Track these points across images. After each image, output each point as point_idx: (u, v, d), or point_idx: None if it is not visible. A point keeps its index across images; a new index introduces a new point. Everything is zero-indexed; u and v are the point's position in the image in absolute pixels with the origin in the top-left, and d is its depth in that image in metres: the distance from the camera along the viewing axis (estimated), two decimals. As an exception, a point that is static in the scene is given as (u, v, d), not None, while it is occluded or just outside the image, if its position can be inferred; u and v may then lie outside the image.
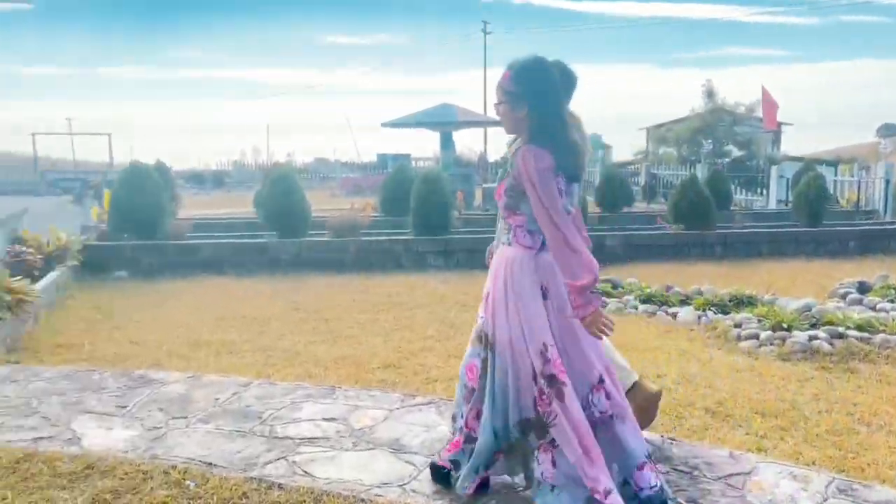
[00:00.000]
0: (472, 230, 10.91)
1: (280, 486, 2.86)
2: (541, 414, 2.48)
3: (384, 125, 19.48)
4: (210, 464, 3.06)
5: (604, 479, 2.41)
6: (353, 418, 3.57)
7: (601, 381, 2.55)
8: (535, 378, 2.47)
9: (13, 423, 3.53)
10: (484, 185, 18.78)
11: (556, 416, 2.44)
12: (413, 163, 27.58)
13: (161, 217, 9.04)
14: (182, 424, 3.51)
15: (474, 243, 9.65)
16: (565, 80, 2.79)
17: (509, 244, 2.57)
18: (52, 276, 6.79)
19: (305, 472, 2.99)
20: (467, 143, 51.24)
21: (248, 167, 36.15)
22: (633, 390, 3.00)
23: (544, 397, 2.45)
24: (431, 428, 3.43)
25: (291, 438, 3.33)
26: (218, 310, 6.49)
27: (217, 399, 3.87)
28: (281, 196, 9.32)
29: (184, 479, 2.91)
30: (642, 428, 2.85)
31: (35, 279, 6.51)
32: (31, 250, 7.04)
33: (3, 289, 5.22)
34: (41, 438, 3.33)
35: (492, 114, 28.76)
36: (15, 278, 5.60)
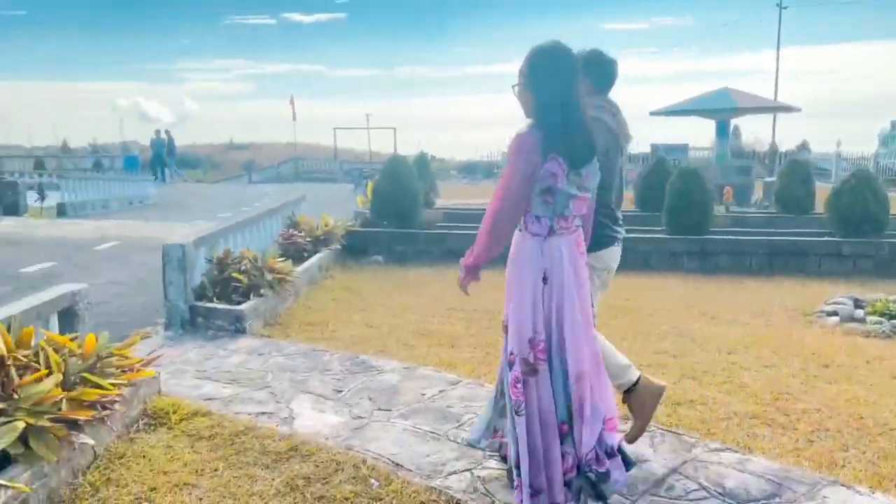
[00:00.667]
0: (738, 230, 9.80)
1: (458, 503, 2.71)
2: (511, 401, 2.53)
3: (652, 114, 18.41)
4: (397, 464, 3.03)
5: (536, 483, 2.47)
6: (552, 436, 3.29)
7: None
8: (511, 365, 2.51)
9: (246, 395, 3.88)
10: (766, 179, 16.86)
11: (522, 406, 2.48)
12: (689, 153, 25.99)
13: (415, 206, 9.53)
14: (384, 417, 3.56)
15: (738, 245, 8.66)
16: (599, 70, 3.00)
17: (520, 230, 2.56)
18: (316, 258, 7.51)
19: (487, 490, 2.81)
20: (755, 130, 46.66)
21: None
22: (637, 388, 3.01)
23: (518, 386, 2.48)
24: (641, 462, 3.01)
25: (482, 449, 3.16)
26: (452, 300, 6.58)
27: (423, 395, 3.87)
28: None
29: (370, 477, 2.91)
30: (643, 424, 3.03)
31: (303, 259, 7.26)
32: (302, 234, 7.87)
33: (267, 268, 5.85)
34: (262, 414, 3.60)
35: (783, 98, 26.01)
36: (280, 259, 6.25)
